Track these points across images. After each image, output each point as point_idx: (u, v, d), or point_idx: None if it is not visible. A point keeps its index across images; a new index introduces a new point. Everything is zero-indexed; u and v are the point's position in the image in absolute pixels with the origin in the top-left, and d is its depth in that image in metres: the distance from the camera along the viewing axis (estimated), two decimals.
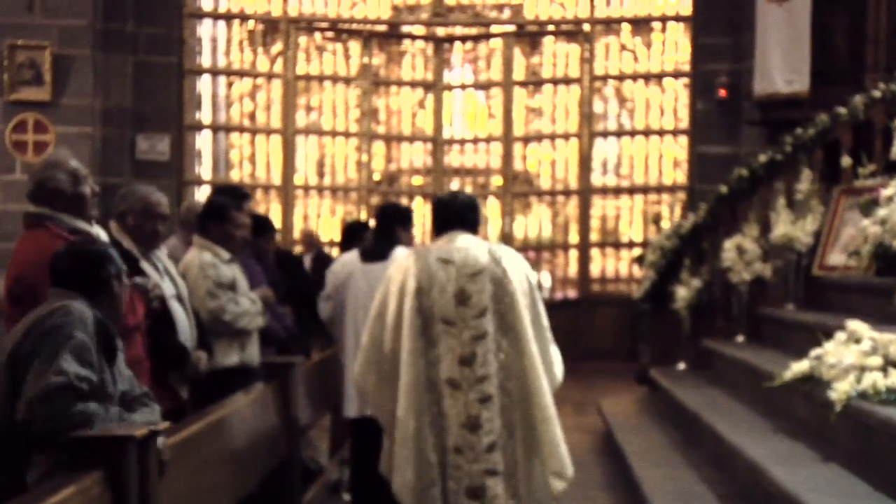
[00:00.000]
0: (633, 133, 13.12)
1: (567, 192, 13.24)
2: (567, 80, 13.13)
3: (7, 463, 3.14)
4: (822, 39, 9.36)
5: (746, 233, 8.18)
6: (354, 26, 13.17)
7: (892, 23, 9.06)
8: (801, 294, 7.65)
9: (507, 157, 13.29)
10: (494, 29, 13.46)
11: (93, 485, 2.81)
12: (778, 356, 6.26)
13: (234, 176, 12.93)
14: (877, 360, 4.48)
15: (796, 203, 7.80)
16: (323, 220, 13.14)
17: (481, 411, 4.17)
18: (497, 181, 13.62)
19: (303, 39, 12.97)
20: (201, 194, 12.29)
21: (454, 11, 13.44)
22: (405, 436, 4.17)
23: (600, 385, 10.03)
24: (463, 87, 13.73)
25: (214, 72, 12.84)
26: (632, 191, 13.12)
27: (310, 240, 10.97)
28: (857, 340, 4.66)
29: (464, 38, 13.53)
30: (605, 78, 13.07)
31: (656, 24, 12.91)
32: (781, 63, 9.54)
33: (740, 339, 7.90)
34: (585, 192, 13.05)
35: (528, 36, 13.39)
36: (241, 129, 12.98)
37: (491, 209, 13.21)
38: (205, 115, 12.84)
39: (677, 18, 12.79)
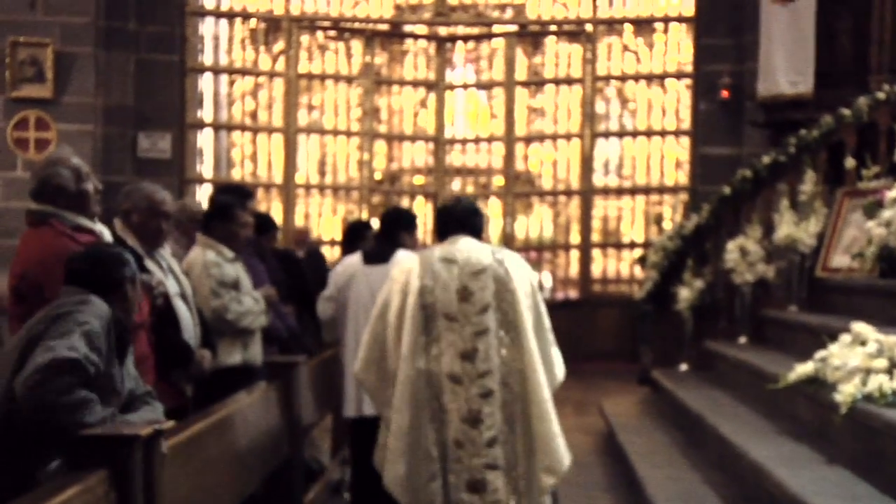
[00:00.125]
0: (634, 134, 13.10)
1: (568, 193, 13.22)
2: (569, 81, 13.11)
3: (16, 457, 3.12)
4: (826, 41, 9.34)
5: (749, 234, 8.17)
6: (356, 25, 13.15)
7: None
8: (804, 296, 7.63)
9: (509, 157, 13.27)
10: (497, 29, 13.44)
11: (98, 484, 2.80)
12: (781, 358, 6.25)
13: (236, 174, 12.92)
14: (882, 363, 4.46)
15: (800, 204, 7.79)
16: (324, 219, 13.13)
17: (482, 406, 4.20)
18: (498, 181, 13.60)
19: (305, 38, 12.95)
20: (203, 193, 12.29)
21: (456, 11, 13.43)
22: (399, 430, 4.21)
23: (602, 386, 10.01)
24: (465, 86, 13.71)
25: (216, 70, 12.82)
26: (633, 191, 13.10)
27: (301, 238, 10.94)
28: (863, 342, 4.65)
29: (466, 38, 13.51)
30: (607, 78, 13.05)
31: (658, 25, 12.89)
32: (785, 64, 9.51)
33: (743, 340, 7.89)
34: (587, 193, 13.04)
35: (531, 36, 13.37)
36: (243, 128, 12.97)
37: (492, 209, 13.19)
38: (206, 114, 12.82)
39: (680, 19, 12.77)
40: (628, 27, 12.97)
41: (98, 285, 3.36)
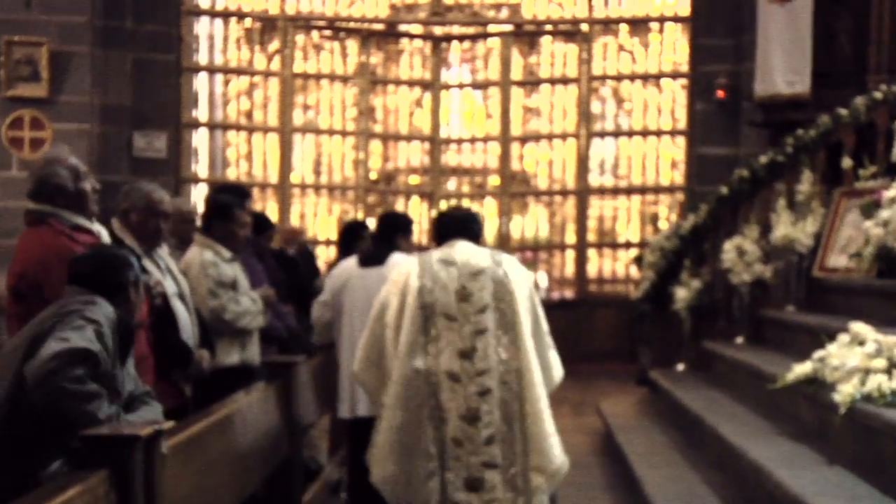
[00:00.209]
0: (630, 133, 13.10)
1: (564, 193, 13.22)
2: (565, 80, 13.11)
3: (17, 457, 3.10)
4: (824, 41, 9.33)
5: (747, 234, 8.16)
6: (352, 25, 13.14)
7: None
8: (802, 296, 7.63)
9: (505, 156, 13.26)
10: (492, 28, 13.44)
11: (98, 484, 2.79)
12: (779, 358, 6.24)
13: (231, 174, 12.90)
14: (881, 363, 4.45)
15: (797, 204, 7.77)
16: (319, 218, 13.12)
17: (480, 404, 4.20)
18: (494, 181, 13.59)
19: (300, 38, 12.94)
20: (198, 192, 12.27)
21: (452, 11, 13.42)
22: (390, 428, 4.22)
23: (600, 386, 10.00)
24: (460, 86, 13.70)
25: (212, 69, 12.80)
26: (629, 191, 13.11)
27: (291, 237, 10.89)
28: (861, 342, 4.64)
29: (461, 38, 13.51)
30: (602, 78, 13.06)
31: (654, 25, 12.90)
32: (783, 64, 9.51)
33: (741, 340, 7.87)
34: (583, 193, 13.04)
35: (526, 36, 13.37)
36: (238, 127, 12.95)
37: (488, 209, 13.18)
38: (202, 113, 12.79)
39: (675, 19, 12.78)
40: (624, 27, 12.97)
41: (102, 287, 3.35)
